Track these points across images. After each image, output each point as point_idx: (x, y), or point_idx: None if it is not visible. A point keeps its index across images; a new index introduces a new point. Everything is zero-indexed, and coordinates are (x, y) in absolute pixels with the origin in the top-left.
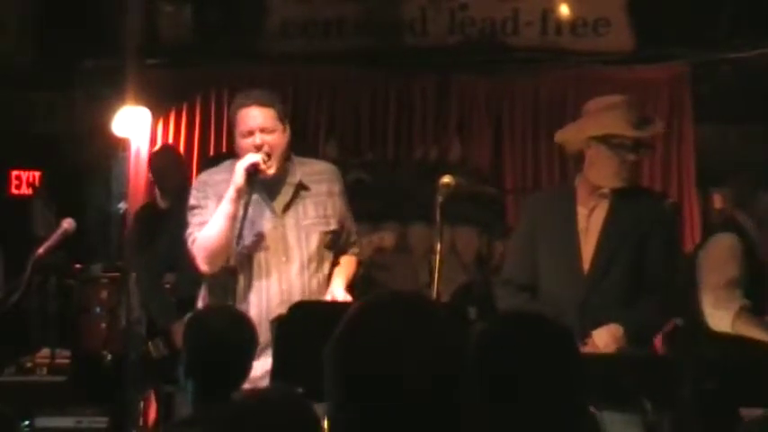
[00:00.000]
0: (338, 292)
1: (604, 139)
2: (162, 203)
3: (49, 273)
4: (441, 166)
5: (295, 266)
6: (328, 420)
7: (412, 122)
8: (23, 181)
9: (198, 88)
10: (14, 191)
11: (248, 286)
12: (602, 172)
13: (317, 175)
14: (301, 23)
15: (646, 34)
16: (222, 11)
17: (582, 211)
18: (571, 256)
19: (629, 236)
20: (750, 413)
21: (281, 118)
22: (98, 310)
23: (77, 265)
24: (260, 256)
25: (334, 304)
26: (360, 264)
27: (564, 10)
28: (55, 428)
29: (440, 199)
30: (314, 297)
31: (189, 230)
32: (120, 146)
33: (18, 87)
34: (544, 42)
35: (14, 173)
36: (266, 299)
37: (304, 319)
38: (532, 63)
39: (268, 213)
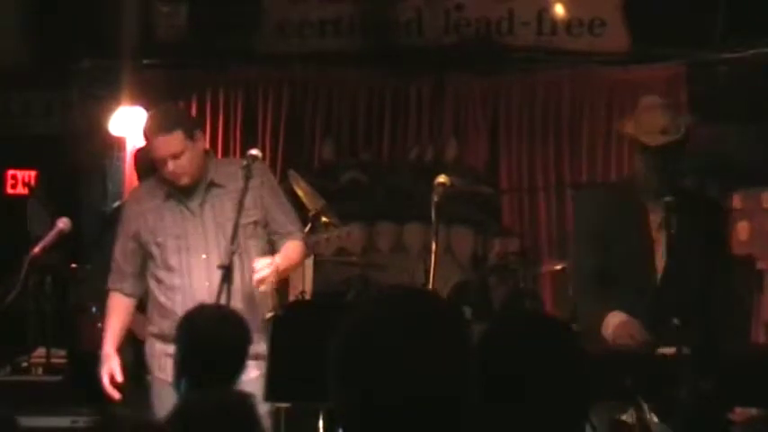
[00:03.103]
0: (276, 258)
1: (632, 142)
2: None
3: (45, 272)
4: (436, 166)
5: (215, 262)
6: (324, 417)
7: (408, 122)
8: (19, 180)
9: (194, 88)
10: (10, 190)
11: (175, 287)
12: (638, 174)
13: (234, 172)
14: (297, 24)
15: (641, 34)
16: (218, 11)
17: (654, 219)
18: (644, 266)
19: (698, 246)
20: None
21: (189, 134)
22: (94, 309)
23: (73, 265)
24: (182, 257)
25: (331, 303)
26: (306, 247)
27: (559, 10)
28: (50, 428)
29: (435, 199)
30: (241, 292)
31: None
32: (116, 145)
33: (15, 87)
34: (539, 42)
35: (10, 172)
36: (191, 297)
37: (300, 318)
38: (528, 63)
39: (188, 214)
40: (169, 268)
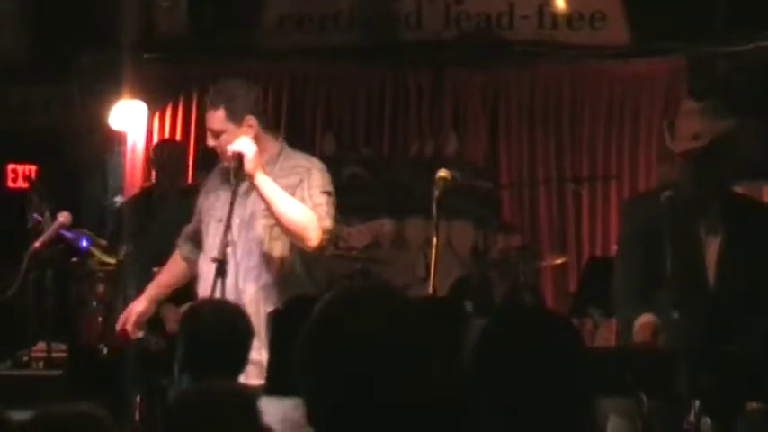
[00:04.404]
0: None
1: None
2: (159, 194)
3: (46, 267)
4: (437, 161)
5: (237, 254)
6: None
7: (408, 117)
8: (20, 174)
9: (194, 83)
10: (11, 184)
11: (202, 273)
12: (679, 180)
13: (291, 168)
14: (297, 18)
15: (642, 28)
16: (218, 5)
17: (702, 224)
18: (693, 272)
19: (749, 254)
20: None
21: (233, 116)
22: (95, 303)
23: (74, 259)
24: (214, 243)
25: None
26: (321, 229)
27: (560, 4)
28: None
29: (436, 193)
30: (248, 291)
31: None
32: (116, 140)
33: (15, 82)
34: (540, 36)
35: (11, 166)
36: (206, 285)
37: (300, 312)
38: (528, 57)
39: (234, 200)
40: (204, 252)
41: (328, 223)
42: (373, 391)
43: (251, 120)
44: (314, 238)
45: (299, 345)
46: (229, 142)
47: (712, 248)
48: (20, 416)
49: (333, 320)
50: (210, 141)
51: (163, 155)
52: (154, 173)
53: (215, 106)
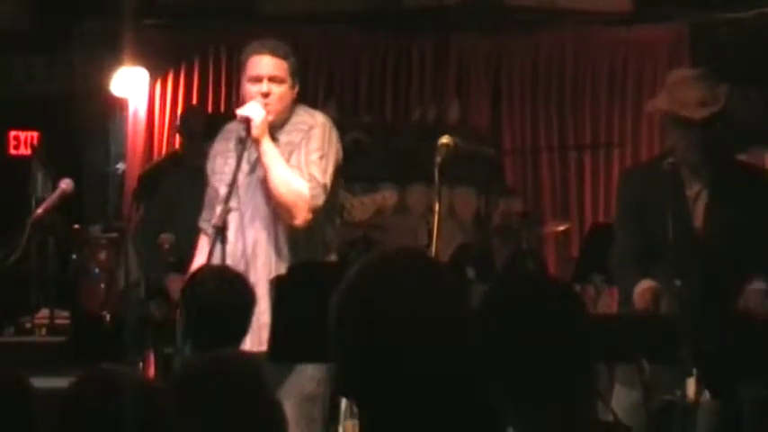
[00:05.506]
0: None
1: (669, 116)
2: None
3: (48, 234)
4: (439, 127)
5: (245, 221)
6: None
7: (410, 83)
8: (22, 141)
9: (196, 49)
10: (13, 151)
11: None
12: (676, 149)
13: (295, 125)
14: None
15: None
16: None
17: (689, 195)
18: (684, 240)
19: (739, 220)
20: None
21: (293, 73)
22: (97, 271)
23: (76, 226)
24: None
25: (337, 265)
26: (308, 208)
27: None
28: (54, 389)
29: (439, 159)
30: (260, 255)
31: None
32: (118, 106)
33: (17, 48)
34: (543, 3)
35: (13, 133)
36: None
37: (303, 279)
38: (531, 23)
39: (244, 164)
40: (213, 219)
41: (320, 202)
42: (402, 361)
43: (297, 86)
44: (299, 217)
45: (331, 312)
46: (282, 95)
47: (701, 211)
48: None
49: (365, 288)
50: (263, 87)
51: (191, 122)
52: (181, 140)
53: (280, 56)
